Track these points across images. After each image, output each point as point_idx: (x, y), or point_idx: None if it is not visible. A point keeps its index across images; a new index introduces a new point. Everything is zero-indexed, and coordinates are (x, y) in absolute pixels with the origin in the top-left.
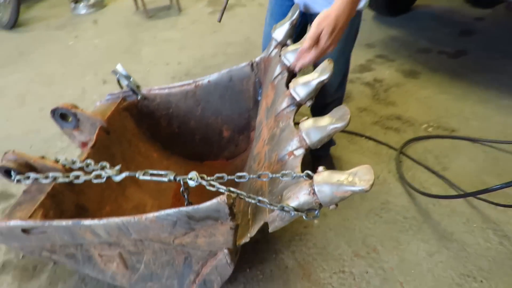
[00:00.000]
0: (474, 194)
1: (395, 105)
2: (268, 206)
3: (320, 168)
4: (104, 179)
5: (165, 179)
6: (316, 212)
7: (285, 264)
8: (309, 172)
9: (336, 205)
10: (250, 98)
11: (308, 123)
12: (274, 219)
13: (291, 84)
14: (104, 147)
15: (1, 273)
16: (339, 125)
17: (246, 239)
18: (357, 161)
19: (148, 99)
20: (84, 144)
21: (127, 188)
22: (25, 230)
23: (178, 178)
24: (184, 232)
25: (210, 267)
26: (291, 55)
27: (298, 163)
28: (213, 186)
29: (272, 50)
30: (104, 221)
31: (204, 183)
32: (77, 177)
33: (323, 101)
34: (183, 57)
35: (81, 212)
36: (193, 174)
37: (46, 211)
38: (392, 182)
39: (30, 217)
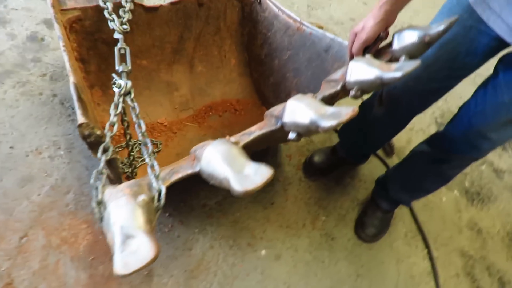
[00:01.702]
0: None
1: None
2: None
3: None
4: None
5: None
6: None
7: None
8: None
9: None
10: None
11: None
12: None
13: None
14: (186, 12)
15: None
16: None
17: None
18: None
19: (261, 5)
20: None
21: None
22: None
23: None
24: None
25: None
26: (364, 65)
27: None
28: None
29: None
30: None
31: (116, 91)
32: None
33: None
34: None
35: None
36: (122, 82)
37: None
38: None
39: None
